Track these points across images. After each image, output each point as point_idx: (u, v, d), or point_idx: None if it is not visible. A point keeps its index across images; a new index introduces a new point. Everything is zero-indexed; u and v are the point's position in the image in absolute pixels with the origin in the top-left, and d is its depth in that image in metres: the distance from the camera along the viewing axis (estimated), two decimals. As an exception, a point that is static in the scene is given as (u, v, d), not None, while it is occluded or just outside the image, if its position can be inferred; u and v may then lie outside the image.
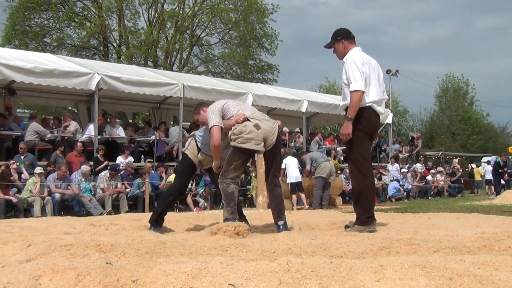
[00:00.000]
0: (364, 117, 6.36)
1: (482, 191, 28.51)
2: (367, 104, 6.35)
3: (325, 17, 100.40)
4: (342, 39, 6.65)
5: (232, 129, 6.42)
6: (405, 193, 21.73)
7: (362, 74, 6.25)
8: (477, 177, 30.02)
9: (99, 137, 16.13)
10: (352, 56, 6.43)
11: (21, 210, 12.66)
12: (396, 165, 23.70)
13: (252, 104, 18.60)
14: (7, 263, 3.81)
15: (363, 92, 6.22)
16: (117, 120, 20.08)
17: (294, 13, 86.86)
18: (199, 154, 7.06)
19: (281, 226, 6.54)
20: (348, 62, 6.37)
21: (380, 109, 6.52)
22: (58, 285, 3.33)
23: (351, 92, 6.23)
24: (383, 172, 22.79)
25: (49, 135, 15.70)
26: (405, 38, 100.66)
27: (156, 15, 35.30)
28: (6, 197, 12.46)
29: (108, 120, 18.01)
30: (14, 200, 12.51)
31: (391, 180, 22.04)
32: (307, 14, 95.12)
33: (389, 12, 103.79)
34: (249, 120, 6.41)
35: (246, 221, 6.73)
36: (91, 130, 16.31)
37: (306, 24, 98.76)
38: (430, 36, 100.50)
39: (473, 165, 32.67)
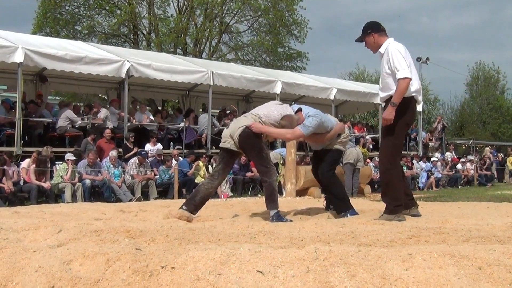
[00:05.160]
0: (409, 107, 6.39)
1: None
2: (412, 94, 6.37)
3: (353, 5, 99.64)
4: (372, 32, 6.63)
5: None
6: (434, 181, 21.63)
7: (407, 63, 6.27)
8: (510, 166, 29.65)
9: (128, 124, 16.25)
10: (393, 46, 6.43)
11: (52, 196, 12.85)
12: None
13: (281, 92, 18.72)
14: (38, 248, 3.86)
15: (410, 79, 6.23)
16: (147, 108, 20.16)
17: (322, 0, 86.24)
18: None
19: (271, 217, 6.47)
20: (391, 51, 6.36)
21: (420, 98, 6.59)
22: (88, 270, 3.38)
23: (399, 79, 6.18)
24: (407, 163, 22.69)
25: (79, 122, 15.83)
26: (433, 26, 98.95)
27: (186, 3, 35.19)
28: (38, 183, 12.64)
29: (138, 107, 18.10)
30: (46, 186, 12.68)
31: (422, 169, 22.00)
32: (335, 1, 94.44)
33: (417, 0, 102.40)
34: None
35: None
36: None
37: (334, 11, 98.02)
38: (459, 23, 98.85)
39: (501, 154, 32.27)
